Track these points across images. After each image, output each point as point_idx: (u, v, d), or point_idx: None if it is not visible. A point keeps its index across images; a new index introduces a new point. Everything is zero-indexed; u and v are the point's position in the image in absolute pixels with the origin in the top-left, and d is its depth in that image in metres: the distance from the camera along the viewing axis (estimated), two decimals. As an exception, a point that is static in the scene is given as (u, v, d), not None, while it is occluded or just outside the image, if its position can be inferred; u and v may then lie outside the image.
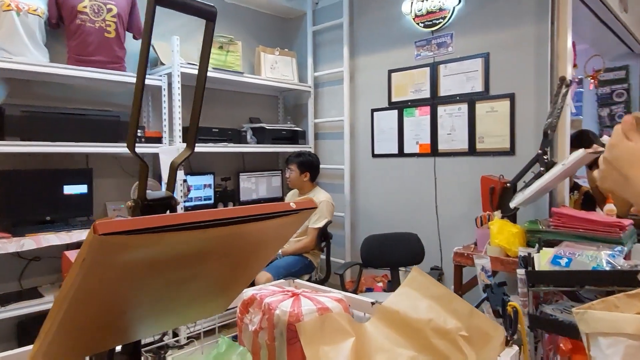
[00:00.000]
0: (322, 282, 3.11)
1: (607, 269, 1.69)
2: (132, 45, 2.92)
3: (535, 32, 2.57)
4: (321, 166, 3.81)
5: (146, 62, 0.65)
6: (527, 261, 1.81)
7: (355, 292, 2.61)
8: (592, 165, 3.32)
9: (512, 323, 0.92)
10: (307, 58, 3.85)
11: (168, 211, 0.72)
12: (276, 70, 3.65)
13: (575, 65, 3.23)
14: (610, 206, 2.35)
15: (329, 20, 3.70)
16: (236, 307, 1.09)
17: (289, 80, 3.70)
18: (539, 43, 2.56)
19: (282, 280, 1.35)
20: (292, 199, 3.21)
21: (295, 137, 3.75)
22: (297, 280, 1.34)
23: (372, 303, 1.19)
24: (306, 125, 3.88)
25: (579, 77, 4.32)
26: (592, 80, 4.53)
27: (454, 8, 2.93)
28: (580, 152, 1.98)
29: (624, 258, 1.84)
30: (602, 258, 1.74)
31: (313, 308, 1.04)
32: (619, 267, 1.70)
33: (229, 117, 3.67)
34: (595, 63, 4.29)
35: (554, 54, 2.43)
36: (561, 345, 1.86)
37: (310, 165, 3.14)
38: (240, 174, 3.62)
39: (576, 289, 1.68)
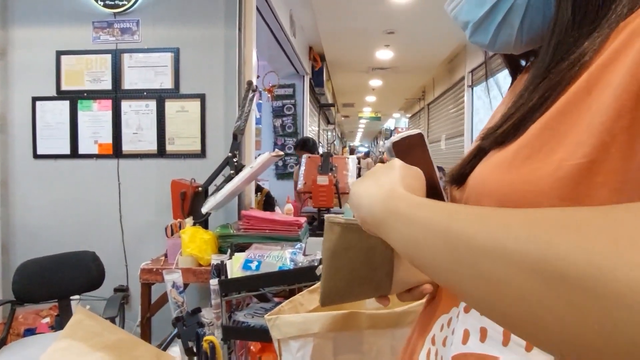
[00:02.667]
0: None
1: (291, 266, 1.78)
2: None
3: (225, 35, 2.57)
4: (-50, 169, 2.74)
5: None
6: (220, 269, 1.72)
7: (4, 340, 1.91)
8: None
9: (208, 361, 0.74)
10: None
11: None
12: None
13: (257, 77, 3.47)
14: (289, 206, 2.58)
15: (-38, -32, 2.69)
16: None
17: None
18: (228, 46, 2.57)
19: None
20: None
21: None
22: None
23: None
24: None
25: (259, 89, 4.76)
26: (269, 94, 5.09)
27: (139, -8, 2.61)
28: (266, 155, 2.05)
29: (303, 253, 2.00)
30: (286, 257, 1.83)
31: None
32: (300, 264, 1.82)
33: None
34: (271, 79, 4.82)
35: (241, 59, 2.48)
36: (252, 347, 1.86)
37: None
38: None
39: (268, 291, 1.69)
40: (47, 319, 2.43)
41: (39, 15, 2.71)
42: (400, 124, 13.97)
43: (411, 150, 0.47)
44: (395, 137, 0.48)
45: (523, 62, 0.53)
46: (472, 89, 5.71)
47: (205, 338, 0.76)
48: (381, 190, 0.41)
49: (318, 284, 1.55)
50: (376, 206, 0.40)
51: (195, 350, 0.84)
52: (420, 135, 0.48)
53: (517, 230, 0.25)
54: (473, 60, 5.52)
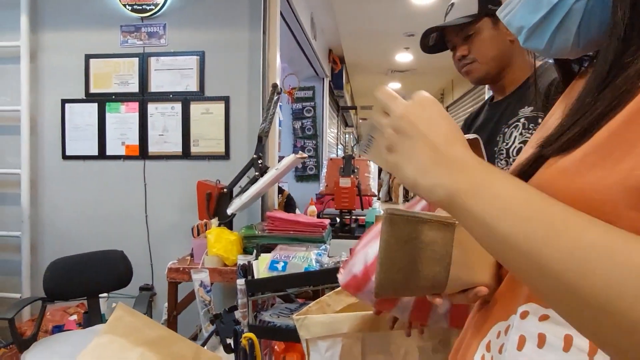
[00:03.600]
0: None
1: (317, 267, 1.78)
2: None
3: (249, 39, 2.60)
4: (-16, 170, 2.83)
5: None
6: (247, 270, 1.73)
7: (35, 336, 1.96)
8: None
9: (248, 357, 0.75)
10: (-40, 20, 2.79)
11: None
12: None
13: (279, 79, 3.49)
14: (312, 207, 2.59)
15: (-3, -25, 2.79)
16: None
17: None
18: (252, 49, 2.60)
19: None
20: None
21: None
22: None
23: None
24: (-42, 113, 2.80)
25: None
26: (289, 96, 5.12)
27: (166, -4, 2.66)
28: (291, 157, 2.07)
29: (327, 255, 2.01)
30: (312, 258, 1.83)
31: None
32: (326, 265, 1.82)
33: None
34: (291, 81, 4.84)
35: (265, 62, 2.51)
36: (275, 347, 1.87)
37: None
38: None
39: (292, 292, 1.70)
40: (75, 316, 2.48)
41: (69, 20, 2.79)
42: (418, 127, 13.85)
43: None
44: None
45: (575, 68, 0.52)
46: (493, 91, 5.64)
47: (244, 335, 0.77)
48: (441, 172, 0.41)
49: (344, 286, 1.55)
50: (446, 199, 0.40)
51: (233, 347, 0.86)
52: (477, 139, 0.49)
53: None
54: (494, 62, 5.45)
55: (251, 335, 0.79)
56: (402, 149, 0.43)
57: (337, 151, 7.77)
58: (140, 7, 2.69)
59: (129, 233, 2.71)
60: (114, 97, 2.76)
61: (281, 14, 2.85)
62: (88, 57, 2.77)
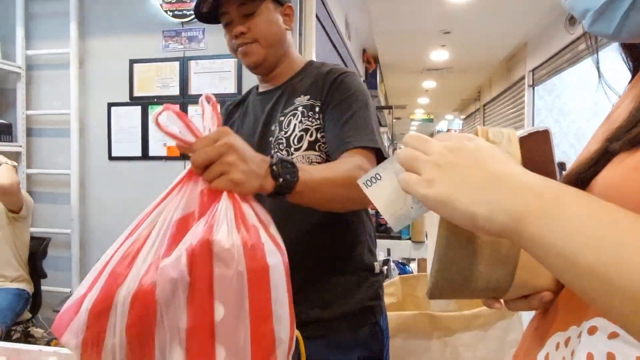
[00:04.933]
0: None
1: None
2: None
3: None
4: (38, 171, 3.00)
5: None
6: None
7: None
8: None
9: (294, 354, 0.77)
10: (16, 29, 2.96)
11: None
12: (-36, 38, 2.66)
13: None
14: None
15: (49, -14, 2.95)
16: None
17: (-15, 54, 2.76)
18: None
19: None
20: None
21: (-5, 131, 2.82)
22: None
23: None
24: (14, 117, 2.97)
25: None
26: (324, 97, 5.13)
27: (205, 1, 2.73)
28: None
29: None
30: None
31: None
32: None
33: None
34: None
35: (301, 63, 2.53)
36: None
37: None
38: None
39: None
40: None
41: (114, 27, 2.91)
42: (453, 126, 13.63)
43: (536, 145, 0.45)
44: (523, 132, 0.47)
45: None
46: (534, 88, 5.48)
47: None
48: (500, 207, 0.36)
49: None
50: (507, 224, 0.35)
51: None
52: (546, 132, 0.46)
53: None
54: (534, 58, 5.30)
55: (296, 333, 0.80)
56: (448, 177, 0.38)
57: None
58: (181, 13, 2.78)
59: (170, 231, 2.80)
60: (156, 100, 2.85)
61: (316, 15, 2.87)
62: (132, 62, 2.88)
